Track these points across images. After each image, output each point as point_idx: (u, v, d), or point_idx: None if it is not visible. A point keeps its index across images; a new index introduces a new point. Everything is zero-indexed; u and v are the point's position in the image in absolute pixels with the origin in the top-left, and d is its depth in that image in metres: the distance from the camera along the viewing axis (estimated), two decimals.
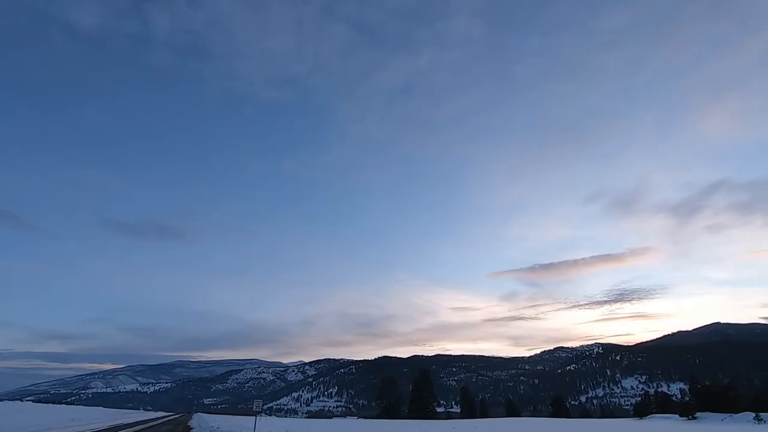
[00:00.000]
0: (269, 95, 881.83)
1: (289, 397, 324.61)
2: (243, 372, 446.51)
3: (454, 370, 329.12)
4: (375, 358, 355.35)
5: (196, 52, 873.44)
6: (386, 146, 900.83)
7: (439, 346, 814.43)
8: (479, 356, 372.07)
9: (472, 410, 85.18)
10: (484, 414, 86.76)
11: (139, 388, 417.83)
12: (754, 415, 43.51)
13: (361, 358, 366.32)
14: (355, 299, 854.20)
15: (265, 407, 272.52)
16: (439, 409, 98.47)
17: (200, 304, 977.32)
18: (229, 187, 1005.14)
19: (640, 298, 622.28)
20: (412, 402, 74.50)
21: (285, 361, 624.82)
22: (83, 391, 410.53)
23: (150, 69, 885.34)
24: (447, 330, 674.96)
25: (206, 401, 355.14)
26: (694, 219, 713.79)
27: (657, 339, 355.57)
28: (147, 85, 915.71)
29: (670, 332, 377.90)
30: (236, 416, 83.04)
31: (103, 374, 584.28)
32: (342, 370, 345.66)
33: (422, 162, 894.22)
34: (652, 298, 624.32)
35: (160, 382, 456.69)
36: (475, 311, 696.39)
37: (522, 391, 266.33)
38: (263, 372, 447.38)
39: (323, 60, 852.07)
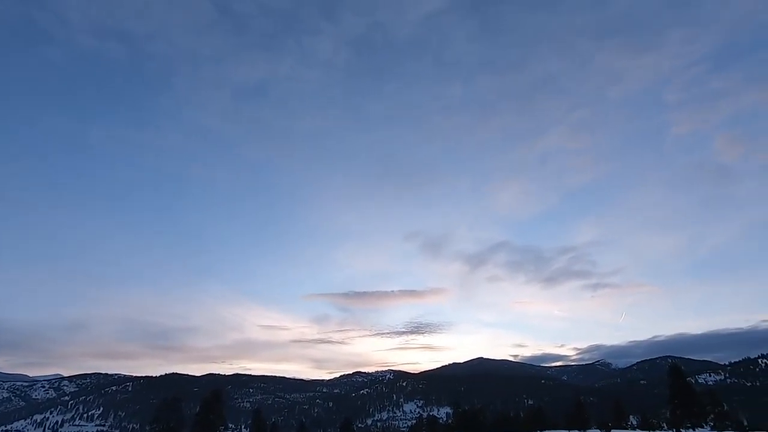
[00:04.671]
0: (88, 44, 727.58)
1: (28, 420, 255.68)
2: None
3: (251, 391, 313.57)
4: (161, 375, 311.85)
5: None
6: (226, 144, 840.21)
7: (240, 365, 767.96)
8: (280, 377, 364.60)
9: None
10: None
11: None
12: None
13: (144, 374, 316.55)
14: (149, 304, 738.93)
15: None
16: None
17: None
18: (2, 140, 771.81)
19: (430, 332, 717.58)
20: (196, 425, 67.27)
21: (32, 373, 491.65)
22: None
23: None
24: (252, 348, 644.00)
25: None
26: (479, 269, 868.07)
27: (437, 369, 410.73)
28: None
29: (446, 363, 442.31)
30: None
31: None
32: (114, 388, 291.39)
33: (263, 170, 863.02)
34: (440, 333, 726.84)
35: None
36: (284, 331, 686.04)
37: (316, 414, 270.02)
38: None
39: (172, 28, 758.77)
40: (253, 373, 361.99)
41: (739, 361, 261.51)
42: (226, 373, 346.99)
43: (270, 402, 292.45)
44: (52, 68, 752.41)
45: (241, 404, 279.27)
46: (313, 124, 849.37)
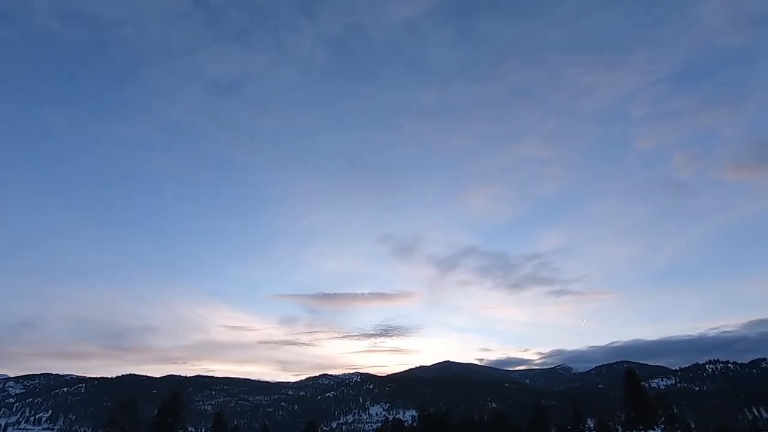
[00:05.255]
0: (50, 26, 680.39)
1: None
2: None
3: (213, 393, 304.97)
4: (117, 376, 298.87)
5: None
6: (195, 138, 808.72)
7: (202, 367, 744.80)
8: (244, 379, 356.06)
9: None
10: None
11: None
12: None
13: (98, 375, 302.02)
14: (105, 302, 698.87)
15: None
16: None
17: None
18: None
19: (399, 335, 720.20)
20: (153, 428, 64.86)
21: None
22: None
23: None
24: (215, 349, 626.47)
25: None
26: (450, 274, 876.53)
27: (404, 371, 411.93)
28: None
29: (414, 366, 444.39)
30: None
31: None
32: (65, 389, 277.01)
33: (233, 167, 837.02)
34: (408, 336, 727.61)
35: None
36: (250, 332, 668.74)
37: (280, 417, 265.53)
38: None
39: (143, 15, 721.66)
40: (215, 375, 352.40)
41: (689, 366, 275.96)
42: (187, 375, 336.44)
43: (233, 404, 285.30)
44: (7, 50, 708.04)
45: (202, 407, 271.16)
46: (287, 122, 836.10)
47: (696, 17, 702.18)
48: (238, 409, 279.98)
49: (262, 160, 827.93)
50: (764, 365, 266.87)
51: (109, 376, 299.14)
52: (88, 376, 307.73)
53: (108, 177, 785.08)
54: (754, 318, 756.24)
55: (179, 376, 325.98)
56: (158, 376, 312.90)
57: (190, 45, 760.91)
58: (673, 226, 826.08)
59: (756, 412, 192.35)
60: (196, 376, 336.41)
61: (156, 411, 66.12)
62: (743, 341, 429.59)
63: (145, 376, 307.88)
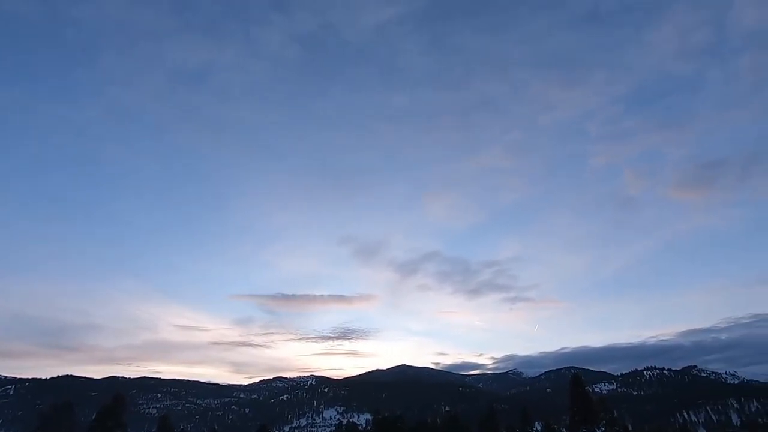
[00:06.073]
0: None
1: None
2: None
3: (159, 396, 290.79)
4: (52, 377, 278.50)
5: None
6: (155, 128, 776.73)
7: (148, 368, 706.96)
8: (193, 381, 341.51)
9: None
10: None
11: None
12: None
13: (31, 376, 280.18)
14: (42, 298, 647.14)
15: None
16: None
17: None
18: None
19: (357, 338, 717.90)
20: None
21: None
22: None
23: None
24: (165, 349, 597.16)
25: None
26: (410, 278, 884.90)
27: (360, 375, 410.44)
28: None
29: (370, 369, 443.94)
30: None
31: None
32: None
33: (194, 161, 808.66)
34: (366, 339, 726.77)
35: None
36: (203, 332, 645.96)
37: (230, 421, 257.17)
38: None
39: None
40: (162, 377, 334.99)
41: (629, 372, 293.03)
42: (132, 376, 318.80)
43: (180, 408, 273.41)
44: None
45: (147, 410, 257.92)
46: (252, 117, 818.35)
47: (649, 44, 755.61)
48: (186, 412, 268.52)
49: (224, 155, 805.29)
50: (695, 372, 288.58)
51: (44, 377, 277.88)
52: (18, 376, 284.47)
53: (53, 163, 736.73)
54: (689, 327, 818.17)
55: (122, 377, 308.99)
56: (99, 377, 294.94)
57: (154, 31, 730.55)
58: (620, 240, 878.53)
59: (686, 416, 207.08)
60: (141, 377, 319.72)
61: (95, 414, 62.16)
62: (678, 349, 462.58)
63: (84, 377, 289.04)
